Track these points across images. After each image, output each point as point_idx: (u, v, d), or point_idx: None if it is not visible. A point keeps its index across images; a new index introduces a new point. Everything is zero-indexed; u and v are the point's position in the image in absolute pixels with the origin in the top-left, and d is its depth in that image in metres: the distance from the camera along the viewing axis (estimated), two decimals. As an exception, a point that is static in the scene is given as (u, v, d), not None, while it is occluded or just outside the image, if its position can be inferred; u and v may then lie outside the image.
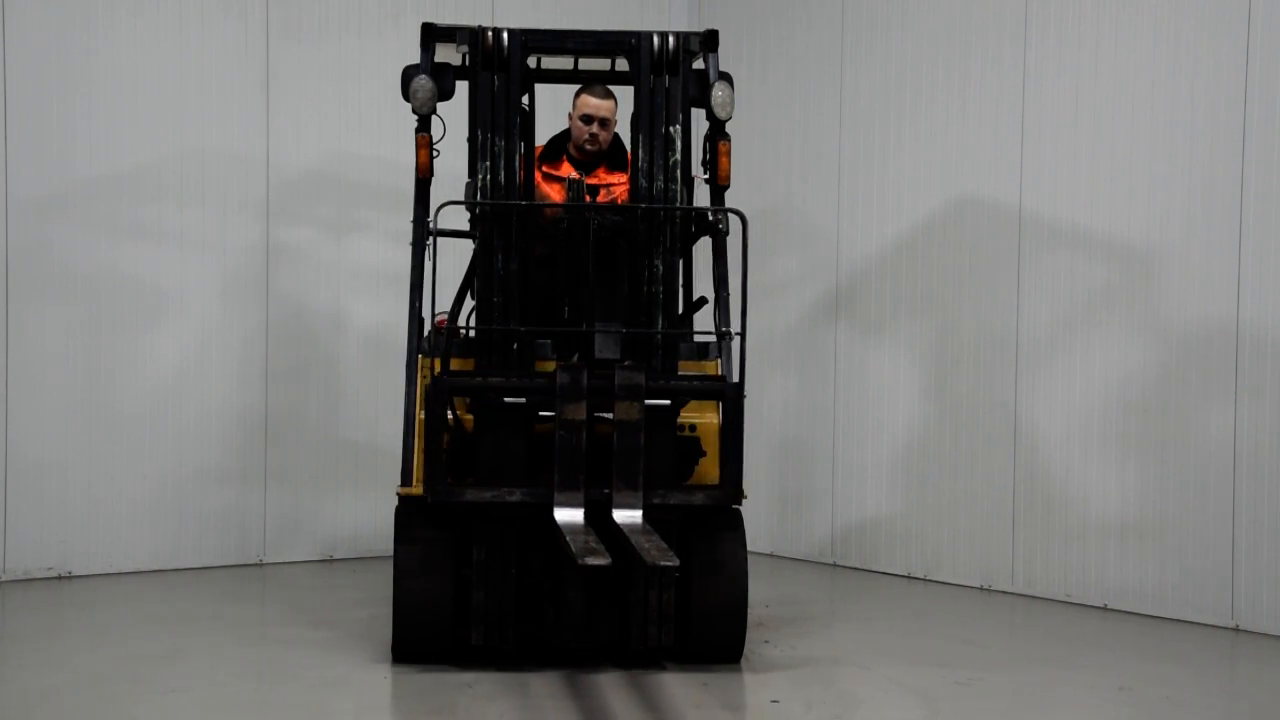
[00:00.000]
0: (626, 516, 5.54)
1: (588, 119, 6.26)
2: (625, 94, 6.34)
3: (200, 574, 7.98)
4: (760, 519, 8.44)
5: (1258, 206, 6.79)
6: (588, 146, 6.30)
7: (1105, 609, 7.31)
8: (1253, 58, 6.80)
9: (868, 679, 5.89)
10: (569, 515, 5.52)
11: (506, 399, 5.75)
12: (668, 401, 5.80)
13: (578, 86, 6.41)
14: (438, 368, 5.95)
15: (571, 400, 5.59)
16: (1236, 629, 6.84)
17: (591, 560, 4.97)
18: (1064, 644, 6.62)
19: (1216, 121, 6.92)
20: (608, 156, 6.37)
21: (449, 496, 5.64)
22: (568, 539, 5.24)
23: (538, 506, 5.61)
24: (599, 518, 5.56)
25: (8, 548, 7.61)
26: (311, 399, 8.44)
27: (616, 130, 6.40)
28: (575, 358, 5.81)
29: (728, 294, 6.18)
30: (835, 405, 8.67)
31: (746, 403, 8.26)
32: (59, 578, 7.72)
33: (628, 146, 6.32)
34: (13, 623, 6.86)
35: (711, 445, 6.01)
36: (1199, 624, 6.95)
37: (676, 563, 5.07)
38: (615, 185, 6.34)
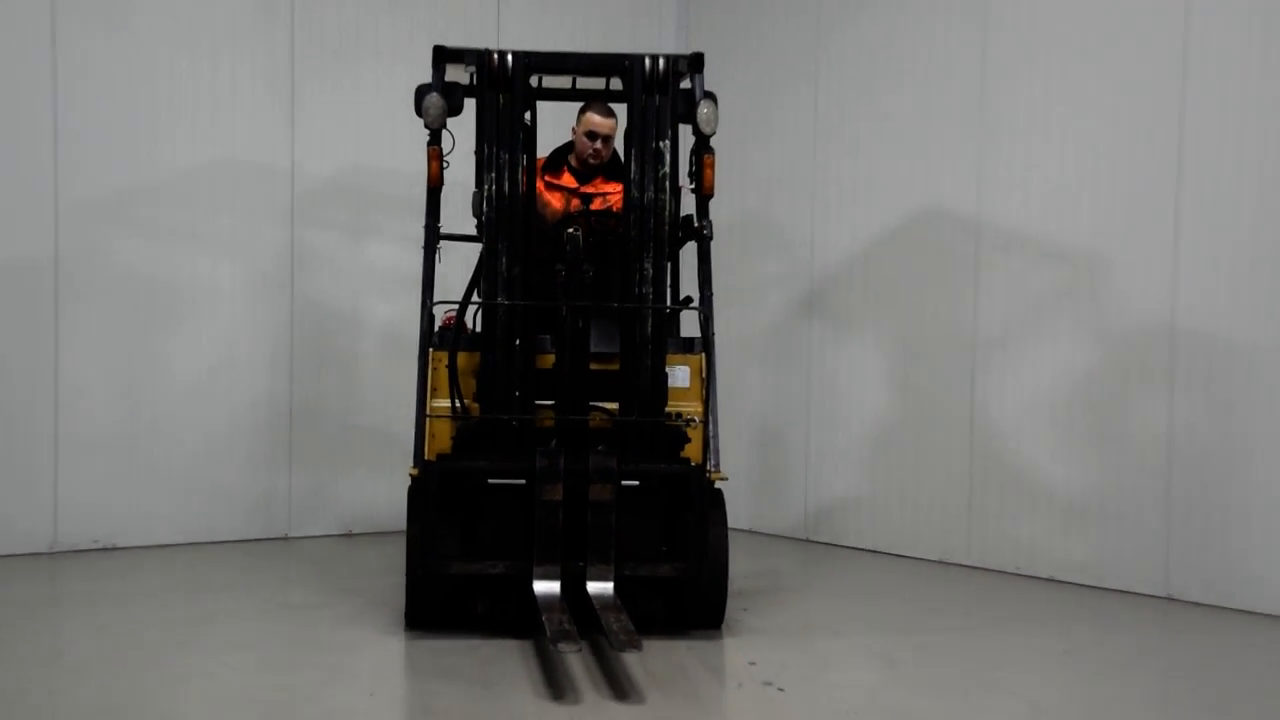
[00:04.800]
0: (599, 589, 5.60)
1: (592, 135, 6.30)
2: (619, 110, 6.37)
3: (232, 546, 8.03)
4: (740, 498, 8.48)
5: (1191, 218, 6.83)
6: (591, 160, 6.34)
7: (1051, 580, 7.36)
8: (1189, 82, 6.83)
9: (836, 643, 5.93)
10: (546, 587, 5.57)
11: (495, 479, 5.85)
12: (636, 482, 5.85)
13: (579, 104, 6.43)
14: (446, 360, 6.01)
15: (549, 482, 5.64)
16: (1170, 598, 6.90)
17: (564, 646, 5.04)
18: (1014, 612, 6.67)
19: (1154, 140, 6.96)
20: (605, 167, 6.41)
21: (437, 570, 5.72)
22: (543, 618, 5.29)
23: (517, 578, 5.68)
24: (574, 588, 5.63)
25: (59, 521, 7.66)
26: (332, 388, 8.48)
27: (616, 149, 6.42)
28: (553, 442, 5.81)
29: (711, 294, 6.20)
30: (808, 396, 8.72)
31: (730, 390, 8.31)
32: (105, 549, 7.78)
33: (621, 158, 6.34)
34: (64, 590, 6.90)
35: (695, 431, 6.03)
36: (1136, 594, 7.01)
37: (641, 648, 5.10)
38: (610, 194, 6.38)
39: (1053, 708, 5.00)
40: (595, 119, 6.30)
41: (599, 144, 6.30)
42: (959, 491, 7.86)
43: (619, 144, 6.34)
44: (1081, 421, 7.30)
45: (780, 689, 5.12)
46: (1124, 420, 7.12)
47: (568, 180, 6.41)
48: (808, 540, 8.68)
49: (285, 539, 8.31)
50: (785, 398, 8.86)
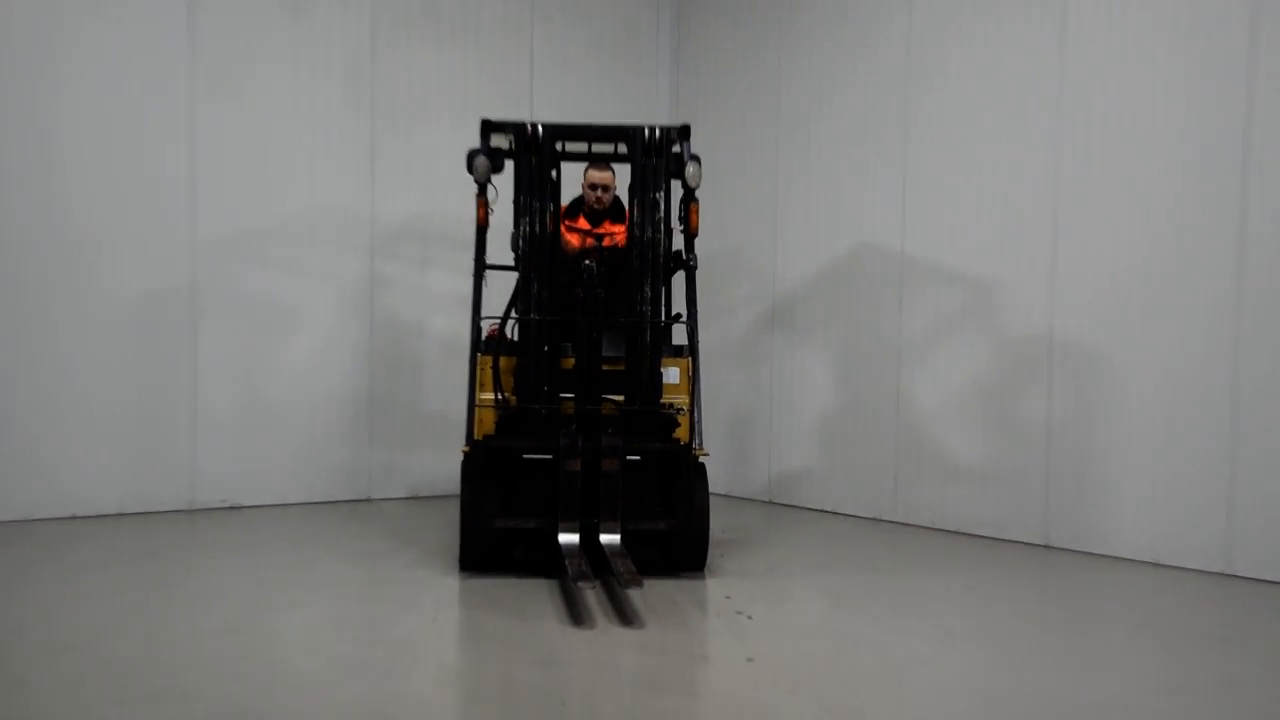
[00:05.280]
0: (609, 539, 5.59)
1: (594, 186, 6.31)
2: (624, 169, 6.38)
3: (326, 506, 8.06)
4: (719, 469, 8.49)
5: (1064, 253, 6.86)
6: (595, 206, 6.35)
7: (957, 533, 7.39)
8: (1061, 147, 6.85)
9: (793, 581, 5.96)
10: (568, 538, 5.56)
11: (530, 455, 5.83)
12: (638, 457, 5.83)
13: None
14: (490, 362, 5.99)
15: (570, 456, 5.63)
16: (1048, 546, 6.93)
17: (582, 584, 5.11)
18: (929, 557, 6.69)
19: (1036, 192, 6.99)
20: (610, 212, 6.42)
21: (488, 526, 5.71)
22: (566, 562, 5.30)
23: (546, 532, 5.66)
24: (590, 539, 5.61)
25: (195, 486, 7.71)
26: (402, 384, 8.50)
27: (616, 194, 6.42)
28: (573, 426, 5.78)
29: (696, 311, 6.22)
30: (771, 390, 8.73)
31: (711, 386, 8.31)
32: (230, 508, 7.81)
33: (626, 206, 6.35)
34: (199, 541, 6.93)
35: (684, 418, 6.05)
36: (1022, 542, 7.04)
37: (642, 585, 5.13)
38: (616, 234, 6.39)
39: (957, 629, 5.05)
40: (594, 174, 6.32)
41: (599, 192, 6.31)
42: (887, 463, 7.87)
43: (624, 197, 6.35)
44: (981, 409, 7.32)
45: (749, 617, 5.15)
46: (1013, 408, 7.14)
47: (583, 224, 6.42)
48: (770, 502, 8.68)
49: (367, 500, 8.32)
50: (753, 391, 8.86)
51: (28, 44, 7.09)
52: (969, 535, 7.30)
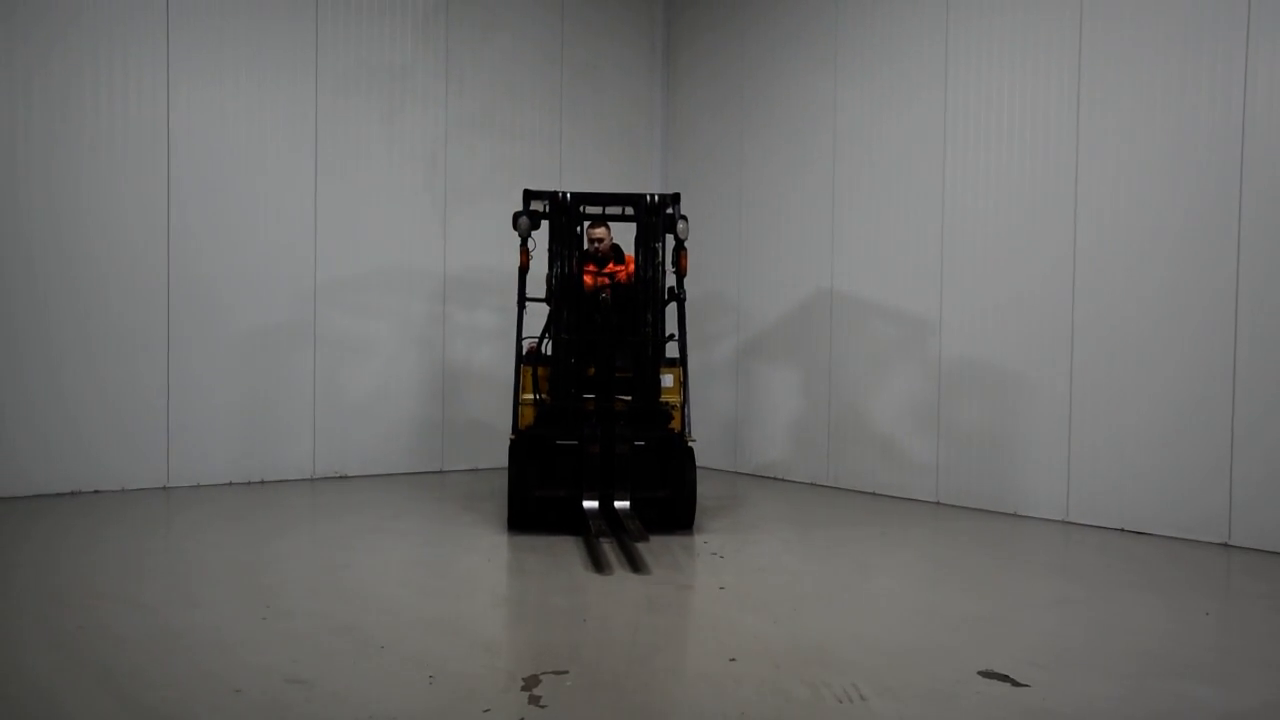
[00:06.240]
0: (621, 505, 5.49)
1: (592, 240, 6.25)
2: (621, 225, 6.35)
3: (410, 476, 8.02)
4: (706, 452, 8.48)
5: (950, 296, 6.89)
6: (597, 254, 6.27)
7: (873, 494, 7.38)
8: (946, 210, 6.89)
9: (758, 534, 5.93)
10: (590, 504, 5.49)
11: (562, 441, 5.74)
12: (643, 443, 5.66)
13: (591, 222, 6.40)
14: (531, 370, 5.96)
15: (592, 442, 5.58)
16: (937, 503, 6.96)
17: (601, 539, 5.07)
18: (854, 513, 6.68)
19: (926, 244, 7.02)
20: (612, 257, 6.34)
21: (529, 495, 5.62)
22: (590, 522, 5.27)
23: (573, 499, 5.60)
24: (607, 504, 5.54)
25: (315, 459, 7.71)
26: (460, 393, 8.40)
27: (617, 242, 6.34)
28: (594, 419, 5.64)
29: (685, 332, 6.16)
30: (747, 399, 8.67)
31: (700, 396, 8.17)
32: (341, 477, 7.79)
33: (624, 251, 6.30)
34: (318, 501, 6.92)
35: (677, 413, 6.00)
36: (922, 500, 7.04)
37: (647, 540, 5.03)
38: (619, 272, 6.30)
39: (871, 564, 5.11)
40: (592, 231, 6.21)
41: (597, 244, 6.21)
42: (822, 445, 7.84)
43: (623, 245, 6.31)
44: (887, 405, 7.27)
45: (722, 557, 5.19)
46: (919, 411, 7.09)
47: (593, 267, 6.31)
48: (739, 473, 8.58)
49: (441, 472, 8.26)
50: (731, 398, 8.76)
51: (203, 131, 7.21)
52: (882, 495, 7.31)
